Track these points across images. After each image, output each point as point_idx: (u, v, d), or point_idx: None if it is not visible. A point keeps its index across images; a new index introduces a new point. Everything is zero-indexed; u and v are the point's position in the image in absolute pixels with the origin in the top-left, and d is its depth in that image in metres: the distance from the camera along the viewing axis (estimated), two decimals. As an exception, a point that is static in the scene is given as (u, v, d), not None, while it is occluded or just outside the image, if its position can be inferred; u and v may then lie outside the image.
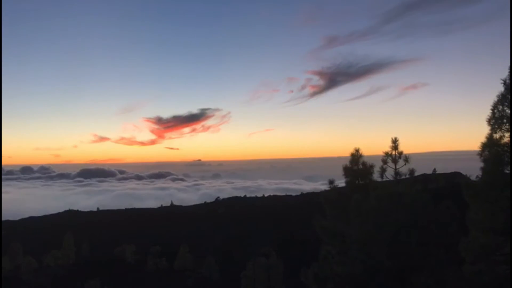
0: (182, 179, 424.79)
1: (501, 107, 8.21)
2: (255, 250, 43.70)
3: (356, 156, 11.82)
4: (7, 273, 46.32)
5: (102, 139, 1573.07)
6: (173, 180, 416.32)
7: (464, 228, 8.78)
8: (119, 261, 53.22)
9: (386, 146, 11.16)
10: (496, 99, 8.26)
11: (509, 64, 8.06)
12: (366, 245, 10.25)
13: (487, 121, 8.35)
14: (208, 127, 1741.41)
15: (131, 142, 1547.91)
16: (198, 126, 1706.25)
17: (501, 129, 8.18)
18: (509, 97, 8.08)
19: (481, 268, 8.17)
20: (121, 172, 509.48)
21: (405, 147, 10.97)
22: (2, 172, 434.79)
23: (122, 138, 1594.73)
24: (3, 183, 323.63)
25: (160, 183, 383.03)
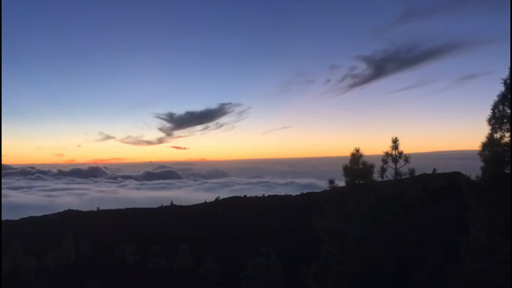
0: (183, 179, 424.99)
1: (501, 106, 8.23)
2: (255, 250, 43.70)
3: (356, 156, 11.83)
4: (7, 273, 46.33)
5: (108, 137, 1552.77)
6: (174, 179, 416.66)
7: (464, 228, 8.78)
8: (119, 261, 53.20)
9: (387, 146, 11.21)
10: (496, 98, 8.28)
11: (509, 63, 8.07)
12: (366, 245, 10.26)
13: (487, 120, 8.37)
14: (222, 125, 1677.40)
15: (138, 140, 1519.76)
16: (212, 123, 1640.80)
17: (501, 129, 8.19)
18: (510, 96, 8.09)
19: (481, 267, 8.17)
20: (124, 171, 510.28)
21: (406, 147, 11.00)
22: (2, 171, 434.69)
23: (129, 137, 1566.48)
24: (3, 183, 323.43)
25: (161, 182, 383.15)
